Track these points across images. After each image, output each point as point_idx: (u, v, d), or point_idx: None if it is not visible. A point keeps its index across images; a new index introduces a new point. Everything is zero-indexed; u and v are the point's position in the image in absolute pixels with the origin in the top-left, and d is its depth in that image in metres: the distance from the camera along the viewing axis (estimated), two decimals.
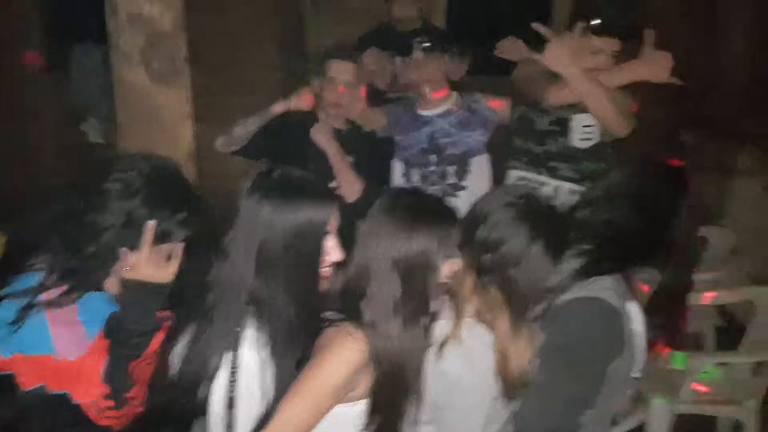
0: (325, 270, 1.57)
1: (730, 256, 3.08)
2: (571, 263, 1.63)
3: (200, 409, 1.46)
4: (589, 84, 2.36)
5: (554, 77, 2.43)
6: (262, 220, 1.49)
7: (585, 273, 1.61)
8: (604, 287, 1.60)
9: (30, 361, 1.44)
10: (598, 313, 1.58)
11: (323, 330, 1.56)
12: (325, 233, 1.54)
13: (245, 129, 2.67)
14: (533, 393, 1.56)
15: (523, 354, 1.57)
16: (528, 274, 1.58)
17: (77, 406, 1.45)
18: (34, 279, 1.48)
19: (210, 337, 1.48)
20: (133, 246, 1.48)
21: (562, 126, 2.61)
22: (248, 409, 1.46)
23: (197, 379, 1.46)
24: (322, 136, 2.71)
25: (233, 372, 1.45)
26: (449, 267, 1.59)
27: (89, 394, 1.44)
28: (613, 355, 1.59)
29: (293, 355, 1.50)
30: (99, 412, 1.45)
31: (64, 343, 1.44)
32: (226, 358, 1.46)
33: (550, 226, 1.62)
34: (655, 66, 2.36)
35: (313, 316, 1.56)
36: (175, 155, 2.02)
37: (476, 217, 1.66)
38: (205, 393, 1.45)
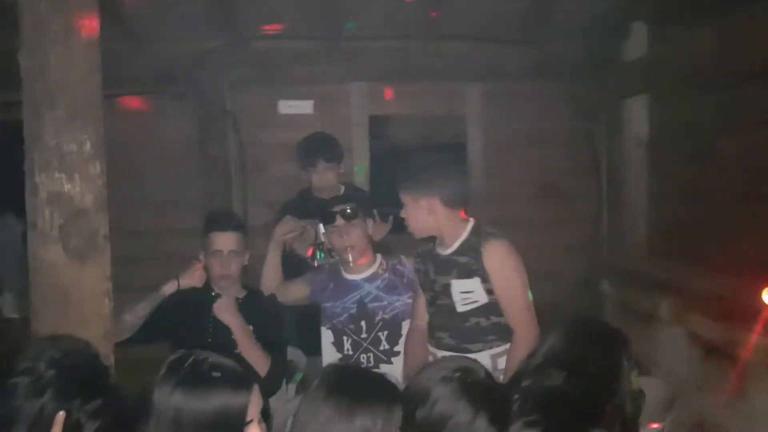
0: None
1: (667, 408, 3.06)
2: None
3: None
4: None
5: None
6: (174, 411, 1.40)
7: None
8: None
9: None
10: None
11: None
12: (245, 422, 1.44)
13: (135, 315, 2.61)
14: None
15: None
16: None
17: None
18: None
19: None
20: None
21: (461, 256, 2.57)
22: None
23: None
24: (225, 312, 2.66)
25: None
26: None
27: None
28: None
29: None
30: None
31: None
32: None
33: (492, 397, 1.58)
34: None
35: None
36: (90, 334, 1.93)
37: (414, 395, 1.60)
38: None
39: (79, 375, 1.48)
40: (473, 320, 2.53)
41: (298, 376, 2.99)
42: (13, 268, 4.00)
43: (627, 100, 4.20)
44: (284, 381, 2.78)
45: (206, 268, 2.75)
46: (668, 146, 3.96)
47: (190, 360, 1.47)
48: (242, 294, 2.81)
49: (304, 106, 4.45)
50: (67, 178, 2.10)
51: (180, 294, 2.67)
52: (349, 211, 2.83)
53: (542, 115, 4.59)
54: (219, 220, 2.84)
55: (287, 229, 3.03)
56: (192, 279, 2.72)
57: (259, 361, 2.50)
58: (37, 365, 1.44)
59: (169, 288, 2.67)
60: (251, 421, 1.44)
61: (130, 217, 4.15)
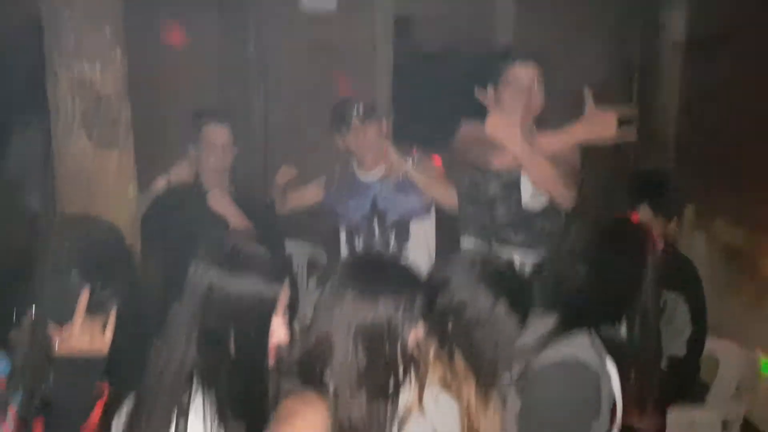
0: (272, 348, 1.49)
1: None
2: (542, 323, 1.59)
3: None
4: (530, 155, 2.34)
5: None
6: (207, 291, 1.42)
7: (558, 331, 1.57)
8: (581, 346, 1.56)
9: None
10: (577, 379, 1.53)
11: (281, 400, 1.47)
12: (272, 312, 1.46)
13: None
14: None
15: (491, 422, 1.51)
16: (494, 337, 1.54)
17: None
18: None
19: (154, 408, 1.37)
20: (64, 319, 1.41)
21: (511, 189, 2.58)
22: None
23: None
24: (221, 203, 2.67)
25: None
26: (414, 335, 1.52)
27: None
28: (591, 418, 1.53)
29: (243, 427, 1.41)
30: None
31: None
32: (173, 429, 1.36)
33: (513, 286, 1.59)
34: (598, 126, 2.32)
35: (262, 391, 1.47)
36: (116, 221, 1.93)
37: (436, 282, 1.61)
38: None
39: (103, 253, 1.49)
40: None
41: None
42: (37, 165, 4.02)
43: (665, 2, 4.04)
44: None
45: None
46: (704, 51, 3.82)
47: (230, 245, 1.49)
48: (232, 189, 2.82)
49: (327, 1, 4.31)
50: (89, 64, 2.07)
51: (171, 191, 2.67)
52: (363, 110, 2.77)
53: (576, 17, 4.39)
54: (213, 113, 2.83)
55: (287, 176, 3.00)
56: (181, 173, 2.71)
57: None
58: (63, 245, 1.46)
59: (160, 183, 2.66)
60: (277, 312, 1.47)
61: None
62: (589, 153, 2.51)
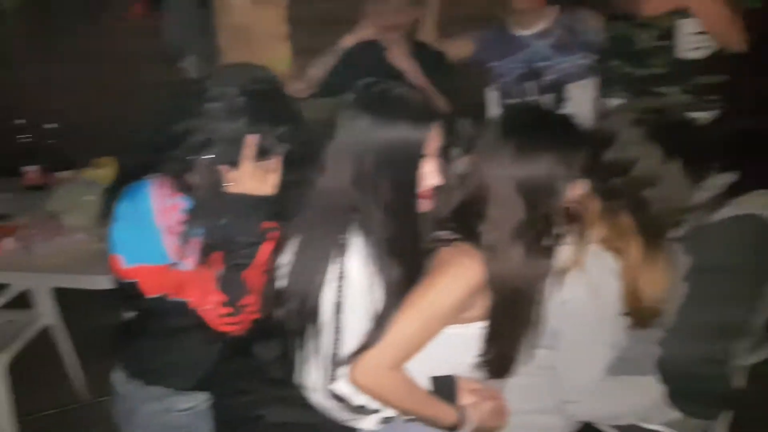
0: (425, 192, 1.48)
1: None
2: (720, 179, 1.49)
3: (311, 317, 1.44)
4: None
5: None
6: (358, 134, 1.42)
7: (737, 189, 1.48)
8: (761, 204, 1.46)
9: (149, 271, 1.51)
10: (754, 232, 1.45)
11: (436, 249, 1.49)
12: (422, 155, 1.44)
13: (319, 69, 2.61)
14: (680, 319, 1.46)
15: (656, 281, 1.47)
16: (664, 195, 1.46)
17: (198, 313, 1.50)
18: (147, 192, 1.52)
19: (315, 246, 1.44)
20: (234, 161, 1.48)
21: (666, 40, 2.33)
22: (356, 316, 1.43)
23: (306, 286, 1.44)
24: (401, 57, 2.61)
25: (340, 278, 1.41)
26: (575, 191, 1.48)
27: (206, 302, 1.48)
28: (766, 280, 1.46)
29: (397, 270, 1.44)
30: (217, 318, 1.50)
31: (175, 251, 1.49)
32: (333, 266, 1.42)
33: (687, 141, 1.48)
34: None
35: (415, 235, 1.49)
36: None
37: (603, 137, 1.53)
38: (315, 300, 1.43)
39: (268, 101, 1.52)
40: None
41: None
42: (195, 31, 4.17)
43: None
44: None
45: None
46: None
47: (378, 87, 1.48)
48: (410, 45, 2.74)
49: None
50: None
51: (357, 48, 2.66)
52: None
53: None
54: None
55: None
56: (365, 32, 2.68)
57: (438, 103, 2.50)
58: (229, 90, 1.49)
59: (348, 41, 2.65)
60: (427, 154, 1.46)
61: None
62: None
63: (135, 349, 1.67)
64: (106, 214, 1.59)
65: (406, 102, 1.46)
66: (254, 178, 1.49)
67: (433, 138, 1.45)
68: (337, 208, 1.43)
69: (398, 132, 1.42)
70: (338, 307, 1.41)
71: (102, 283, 2.20)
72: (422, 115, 1.45)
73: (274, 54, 2.20)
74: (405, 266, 1.45)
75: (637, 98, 2.40)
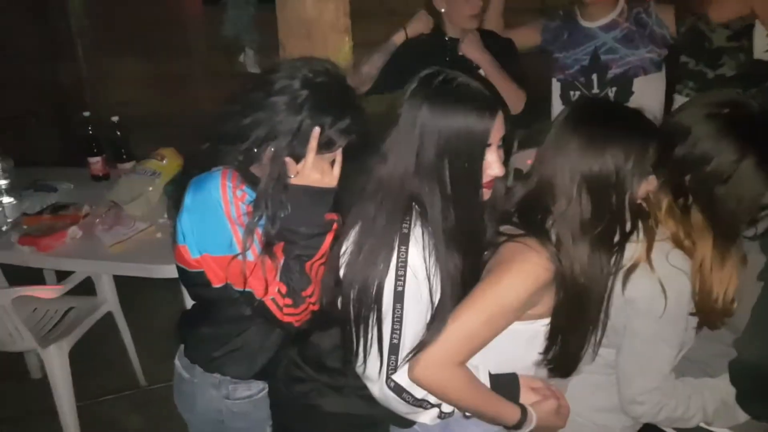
0: (488, 183, 1.46)
1: None
2: None
3: (372, 306, 1.43)
4: None
5: None
6: (419, 125, 1.41)
7: None
8: None
9: (215, 261, 1.52)
10: None
11: (501, 244, 1.47)
12: (485, 145, 1.42)
13: (372, 65, 2.58)
14: (756, 320, 1.40)
15: (727, 281, 1.42)
16: (738, 192, 1.41)
17: (261, 303, 1.51)
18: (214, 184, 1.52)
19: (377, 235, 1.43)
20: (298, 154, 1.49)
21: (742, 40, 2.25)
22: (417, 306, 1.42)
23: (367, 274, 1.43)
24: (474, 49, 2.56)
25: (402, 267, 1.40)
26: (644, 187, 1.44)
27: (269, 292, 1.49)
28: None
29: (457, 261, 1.43)
30: (279, 309, 1.50)
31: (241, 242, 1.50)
32: (395, 255, 1.41)
33: (763, 136, 1.42)
34: None
35: (477, 227, 1.48)
36: None
37: (674, 132, 1.49)
38: (376, 288, 1.42)
39: (331, 94, 1.53)
40: None
41: None
42: (253, 25, 4.22)
43: None
44: None
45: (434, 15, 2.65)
46: None
47: (441, 77, 1.46)
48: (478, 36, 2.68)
49: None
50: None
51: (411, 42, 2.64)
52: None
53: None
54: None
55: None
56: (419, 26, 2.66)
57: (514, 94, 2.48)
58: (293, 84, 1.50)
59: (399, 38, 2.63)
60: (491, 144, 1.44)
61: None
62: None
63: (197, 337, 1.70)
64: (174, 205, 1.61)
65: (469, 91, 1.44)
66: (317, 170, 1.50)
67: (496, 128, 1.42)
68: (399, 198, 1.43)
69: (462, 121, 1.40)
70: (399, 296, 1.40)
71: (163, 271, 2.25)
72: (486, 104, 1.43)
73: (335, 47, 2.20)
74: (466, 258, 1.44)
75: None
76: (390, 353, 1.42)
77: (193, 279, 1.59)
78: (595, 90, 2.65)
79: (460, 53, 2.57)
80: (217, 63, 4.44)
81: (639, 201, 1.46)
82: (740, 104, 1.47)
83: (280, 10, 2.21)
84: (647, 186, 1.45)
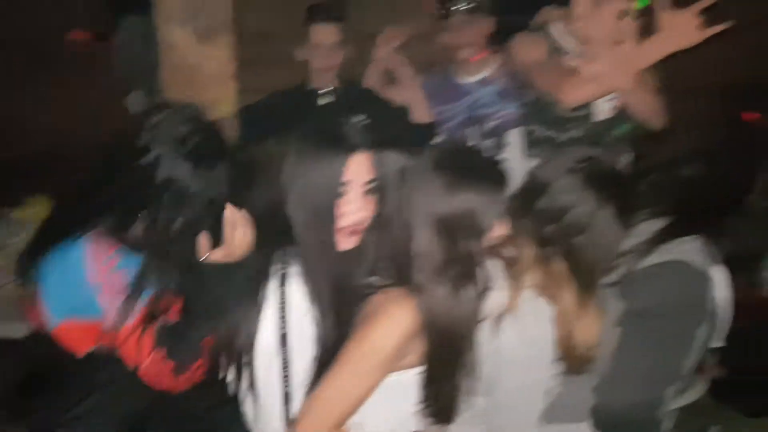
0: (344, 228, 1.46)
1: None
2: (649, 226, 1.53)
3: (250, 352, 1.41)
4: (635, 89, 2.15)
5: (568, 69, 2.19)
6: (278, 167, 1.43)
7: (666, 235, 1.51)
8: (689, 249, 1.50)
9: (81, 326, 1.43)
10: (683, 277, 1.47)
11: (368, 296, 1.48)
12: (340, 190, 1.43)
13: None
14: (614, 365, 1.46)
15: (589, 327, 1.49)
16: (596, 241, 1.49)
17: (128, 369, 1.44)
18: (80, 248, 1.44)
19: (251, 278, 1.43)
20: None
21: (585, 110, 2.37)
22: (301, 349, 1.41)
23: (244, 318, 1.41)
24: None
25: (282, 308, 1.40)
26: (496, 230, 1.50)
27: (139, 360, 1.42)
28: (698, 322, 1.48)
29: (331, 315, 1.44)
30: (156, 376, 1.44)
31: (111, 309, 1.42)
32: (273, 296, 1.40)
33: (618, 190, 1.52)
34: (681, 31, 1.98)
35: (338, 275, 1.47)
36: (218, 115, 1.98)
37: (535, 185, 1.57)
38: (252, 333, 1.40)
39: (202, 143, 1.49)
40: None
41: None
42: (142, 65, 4.12)
43: None
44: None
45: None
46: None
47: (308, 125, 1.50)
48: (339, 87, 2.76)
49: None
50: None
51: (277, 94, 2.66)
52: (471, 3, 2.62)
53: None
54: (320, 11, 2.70)
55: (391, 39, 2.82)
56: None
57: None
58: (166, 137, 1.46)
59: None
60: (344, 188, 1.44)
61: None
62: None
63: (47, 406, 1.54)
64: (25, 272, 1.50)
65: (329, 134, 1.46)
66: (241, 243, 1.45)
67: (354, 170, 1.43)
68: (269, 248, 1.43)
69: (313, 173, 1.41)
70: (283, 339, 1.39)
71: (19, 331, 2.09)
72: (342, 139, 1.45)
73: (218, 94, 2.18)
74: (336, 310, 1.44)
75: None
76: (281, 403, 1.42)
77: (47, 343, 1.46)
78: (473, 142, 2.74)
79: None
80: (107, 104, 4.28)
81: (493, 243, 1.51)
82: (596, 160, 1.57)
83: (165, 54, 2.18)
84: (500, 229, 1.50)
